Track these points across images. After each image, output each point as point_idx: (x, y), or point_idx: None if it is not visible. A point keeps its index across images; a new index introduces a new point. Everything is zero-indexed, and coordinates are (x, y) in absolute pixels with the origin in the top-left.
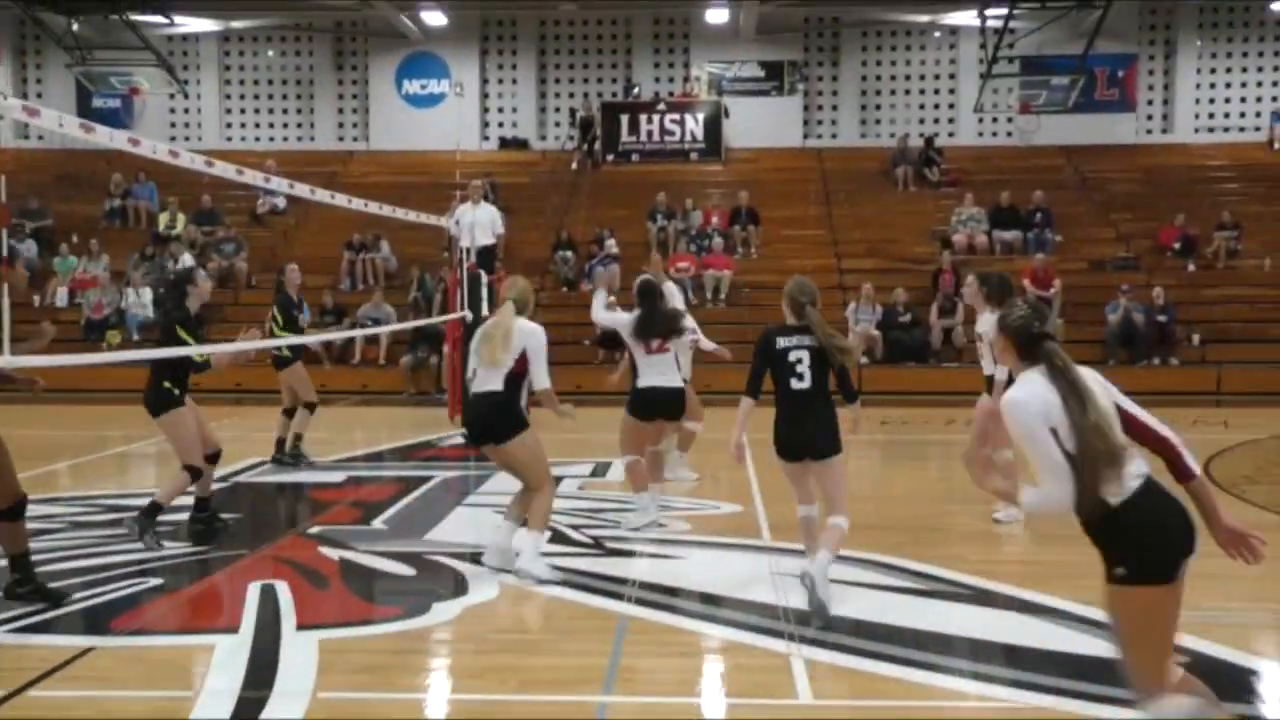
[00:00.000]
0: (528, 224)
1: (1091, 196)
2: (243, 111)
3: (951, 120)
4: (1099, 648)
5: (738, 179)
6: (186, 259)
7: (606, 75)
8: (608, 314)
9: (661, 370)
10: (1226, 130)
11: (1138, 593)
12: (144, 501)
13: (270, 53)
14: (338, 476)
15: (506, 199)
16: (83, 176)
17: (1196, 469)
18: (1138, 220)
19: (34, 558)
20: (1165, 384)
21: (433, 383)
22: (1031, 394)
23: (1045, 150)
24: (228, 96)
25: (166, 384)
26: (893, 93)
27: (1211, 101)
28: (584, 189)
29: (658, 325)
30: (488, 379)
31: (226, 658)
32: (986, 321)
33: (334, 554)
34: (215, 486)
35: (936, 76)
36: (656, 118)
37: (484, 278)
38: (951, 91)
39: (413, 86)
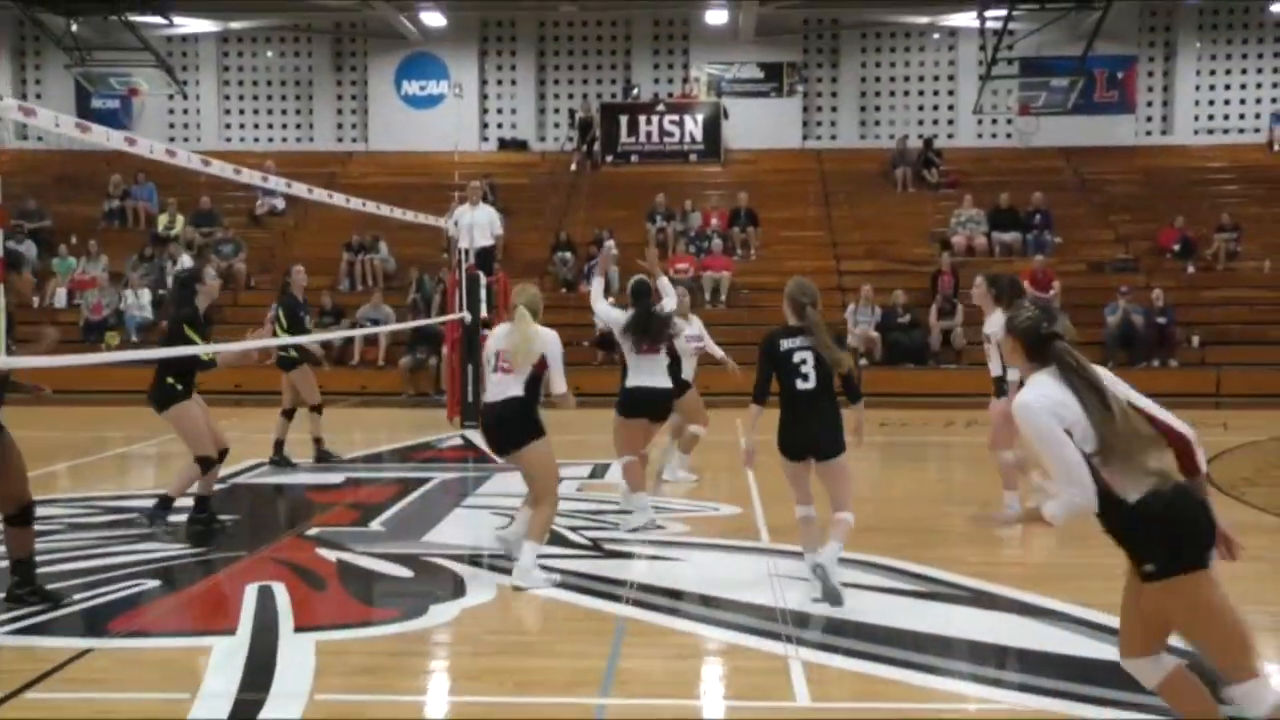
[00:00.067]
0: (527, 225)
1: (1091, 198)
2: (242, 112)
3: (951, 122)
4: (1099, 650)
5: (737, 180)
6: (185, 260)
7: (606, 76)
8: (605, 306)
9: (650, 371)
10: (1226, 132)
11: (1176, 583)
12: (145, 503)
13: (269, 53)
14: (336, 478)
15: (505, 200)
16: (82, 177)
17: (1203, 468)
18: (1137, 222)
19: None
20: (1164, 386)
21: (431, 384)
22: (1043, 395)
23: (1044, 152)
24: (227, 97)
25: (170, 380)
26: (892, 94)
27: (1211, 103)
28: (583, 190)
29: (649, 330)
30: (506, 386)
31: (224, 659)
32: (995, 323)
33: (332, 555)
34: (214, 488)
35: (936, 78)
36: (656, 119)
37: (483, 279)
38: (951, 93)
39: (412, 87)
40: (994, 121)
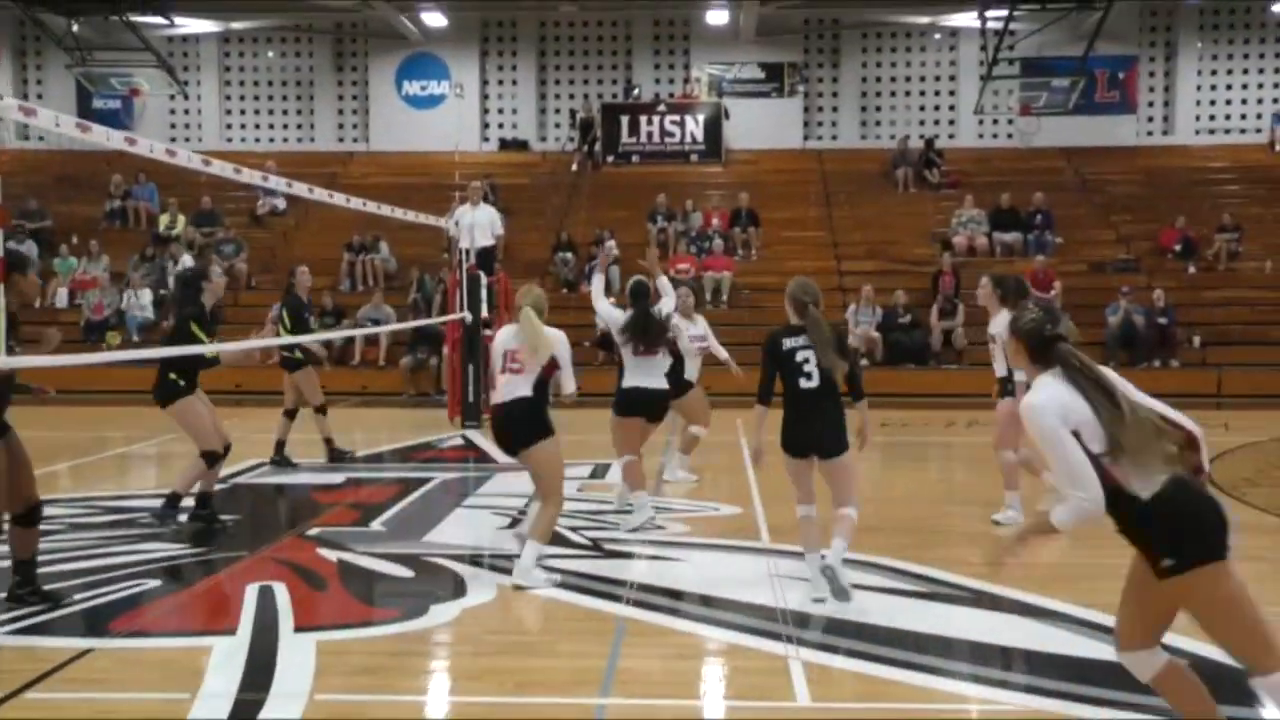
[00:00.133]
0: (527, 225)
1: (1092, 198)
2: (243, 113)
3: (952, 122)
4: (1100, 650)
5: (738, 180)
6: (186, 260)
7: (606, 76)
8: (606, 306)
9: (647, 372)
10: (1227, 132)
11: (1195, 576)
12: (146, 503)
13: (270, 54)
14: (337, 478)
15: (506, 200)
16: (83, 177)
17: (1206, 467)
18: (1138, 222)
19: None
20: (1166, 386)
21: (432, 384)
22: (1049, 397)
23: (1045, 152)
24: (228, 98)
25: (173, 375)
26: (893, 94)
27: (1212, 103)
28: (584, 190)
29: (647, 333)
30: (515, 386)
31: (224, 659)
32: (1000, 323)
33: (332, 555)
34: (215, 488)
35: (937, 78)
36: (656, 119)
37: (483, 279)
38: (952, 93)
39: (413, 88)
40: (995, 122)
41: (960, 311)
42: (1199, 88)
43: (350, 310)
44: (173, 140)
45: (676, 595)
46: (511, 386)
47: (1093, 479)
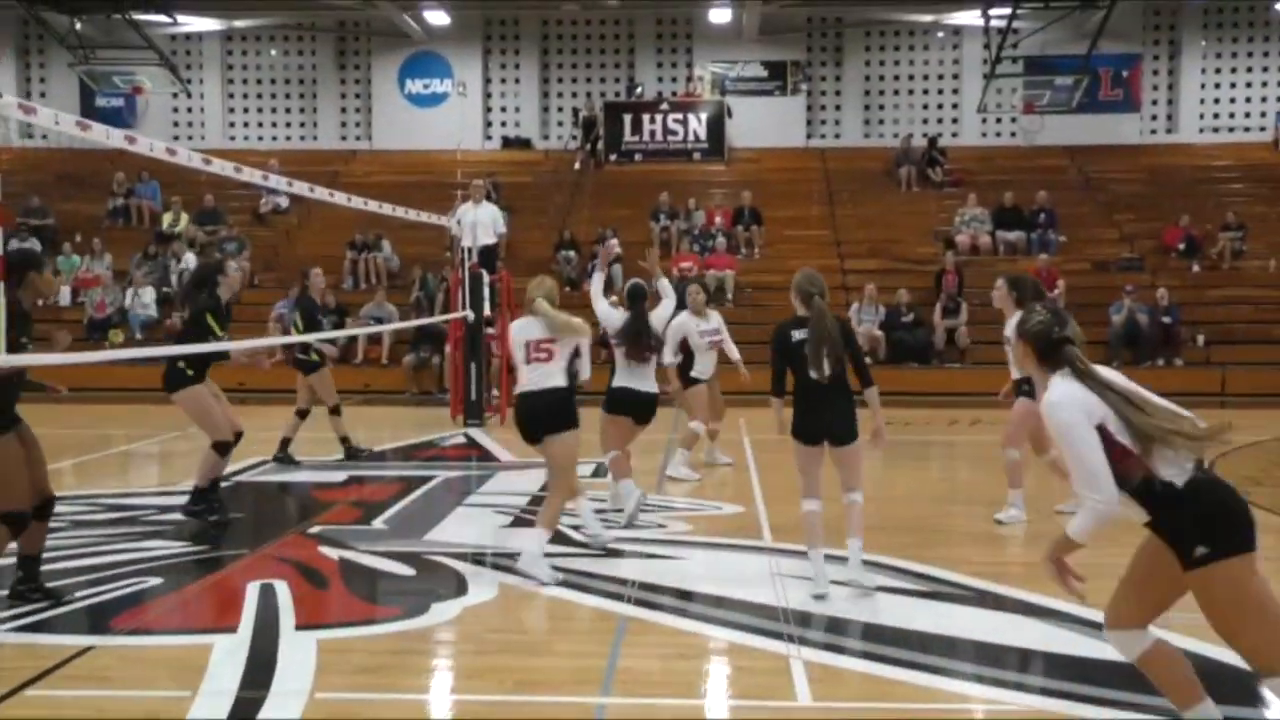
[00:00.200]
0: (530, 224)
1: (1095, 197)
2: (246, 111)
3: (955, 120)
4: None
5: (741, 179)
6: (189, 258)
7: (609, 75)
8: (605, 306)
9: (636, 374)
10: (1231, 130)
11: (1223, 567)
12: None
13: (273, 52)
14: (339, 476)
15: (509, 199)
16: (86, 175)
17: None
18: (1142, 221)
19: None
20: (1169, 385)
21: (435, 382)
22: (1070, 392)
23: (1049, 150)
24: (231, 96)
25: (181, 364)
26: (896, 93)
27: (1216, 102)
28: (587, 189)
29: (638, 344)
30: (548, 375)
31: (225, 657)
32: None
33: (334, 554)
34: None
35: (940, 76)
36: (659, 117)
37: (486, 277)
38: (955, 91)
39: (415, 86)
40: (998, 120)
41: (963, 310)
42: (1203, 86)
43: (353, 309)
44: (175, 139)
45: (678, 594)
46: (542, 375)
47: (1108, 479)
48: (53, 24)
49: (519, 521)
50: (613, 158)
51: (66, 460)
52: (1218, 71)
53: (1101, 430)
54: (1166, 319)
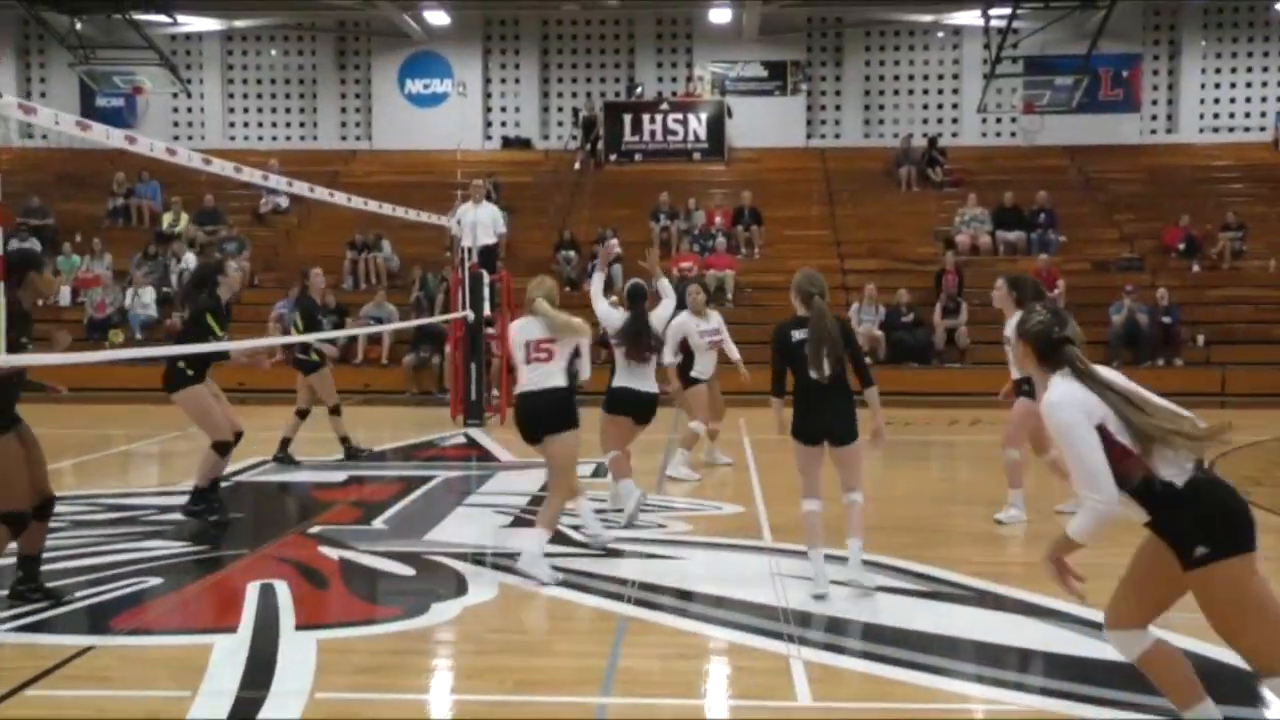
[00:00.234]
0: (530, 224)
1: (1095, 197)
2: (246, 111)
3: (955, 120)
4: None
5: (741, 179)
6: (189, 258)
7: (609, 75)
8: (604, 306)
9: (636, 374)
10: (1231, 130)
11: (1224, 567)
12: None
13: (273, 52)
14: (339, 476)
15: (509, 199)
16: (86, 175)
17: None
18: (1142, 221)
19: None
20: (1169, 385)
21: (435, 382)
22: (1070, 392)
23: (1049, 150)
24: (231, 96)
25: (182, 364)
26: (896, 93)
27: (1216, 102)
28: (587, 189)
29: (638, 345)
30: (548, 374)
31: (225, 657)
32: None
33: (334, 554)
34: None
35: (940, 76)
36: (659, 117)
37: (486, 277)
38: (955, 91)
39: (415, 86)
40: (998, 120)
41: (963, 310)
42: (1203, 86)
43: (353, 309)
44: (175, 139)
45: (678, 594)
46: (542, 375)
47: (1108, 479)
48: (53, 24)
49: (519, 521)
50: (613, 158)
51: (66, 460)
52: (1218, 71)
53: (1101, 430)
54: (1166, 319)
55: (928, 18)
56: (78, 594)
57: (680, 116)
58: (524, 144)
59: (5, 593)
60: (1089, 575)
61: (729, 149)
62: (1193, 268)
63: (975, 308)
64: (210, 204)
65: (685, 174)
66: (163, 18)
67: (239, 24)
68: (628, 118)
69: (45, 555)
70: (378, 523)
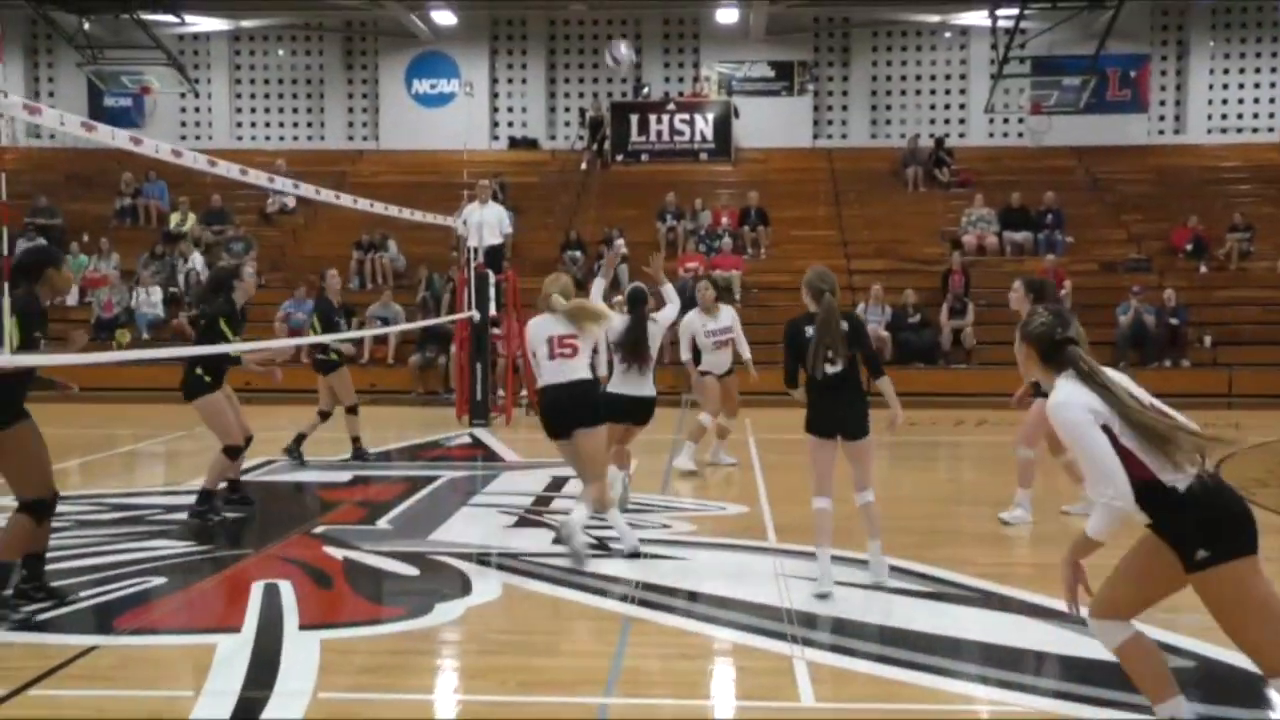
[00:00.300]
0: (537, 224)
1: (1103, 197)
2: (253, 111)
3: (962, 121)
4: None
5: (747, 179)
6: (196, 258)
7: (616, 75)
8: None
9: (633, 379)
10: (1239, 131)
11: (1226, 570)
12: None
13: (280, 52)
14: (344, 476)
15: (516, 199)
16: (93, 175)
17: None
18: (1149, 221)
19: None
20: (1176, 386)
21: (441, 382)
22: (1074, 393)
23: (1056, 151)
24: (238, 96)
25: (199, 371)
26: (903, 93)
27: (1224, 102)
28: (593, 189)
29: (636, 353)
30: (572, 369)
31: (228, 657)
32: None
33: (338, 553)
34: (220, 486)
35: (947, 77)
36: (666, 118)
37: (492, 277)
38: (962, 92)
39: (422, 86)
40: (1006, 120)
41: (970, 311)
42: (1211, 87)
43: (359, 309)
44: (183, 138)
45: (682, 595)
46: (567, 369)
47: (1120, 475)
48: (61, 24)
49: (523, 521)
50: (619, 158)
51: (72, 460)
52: (1226, 72)
53: (1106, 431)
54: (1174, 320)
55: (935, 18)
56: (82, 593)
57: (687, 117)
58: (530, 144)
59: (9, 592)
60: (1096, 576)
61: (736, 149)
62: (1200, 268)
63: (982, 308)
64: (217, 204)
65: (692, 174)
66: (170, 18)
67: (246, 24)
68: (634, 118)
69: (50, 554)
70: (382, 522)
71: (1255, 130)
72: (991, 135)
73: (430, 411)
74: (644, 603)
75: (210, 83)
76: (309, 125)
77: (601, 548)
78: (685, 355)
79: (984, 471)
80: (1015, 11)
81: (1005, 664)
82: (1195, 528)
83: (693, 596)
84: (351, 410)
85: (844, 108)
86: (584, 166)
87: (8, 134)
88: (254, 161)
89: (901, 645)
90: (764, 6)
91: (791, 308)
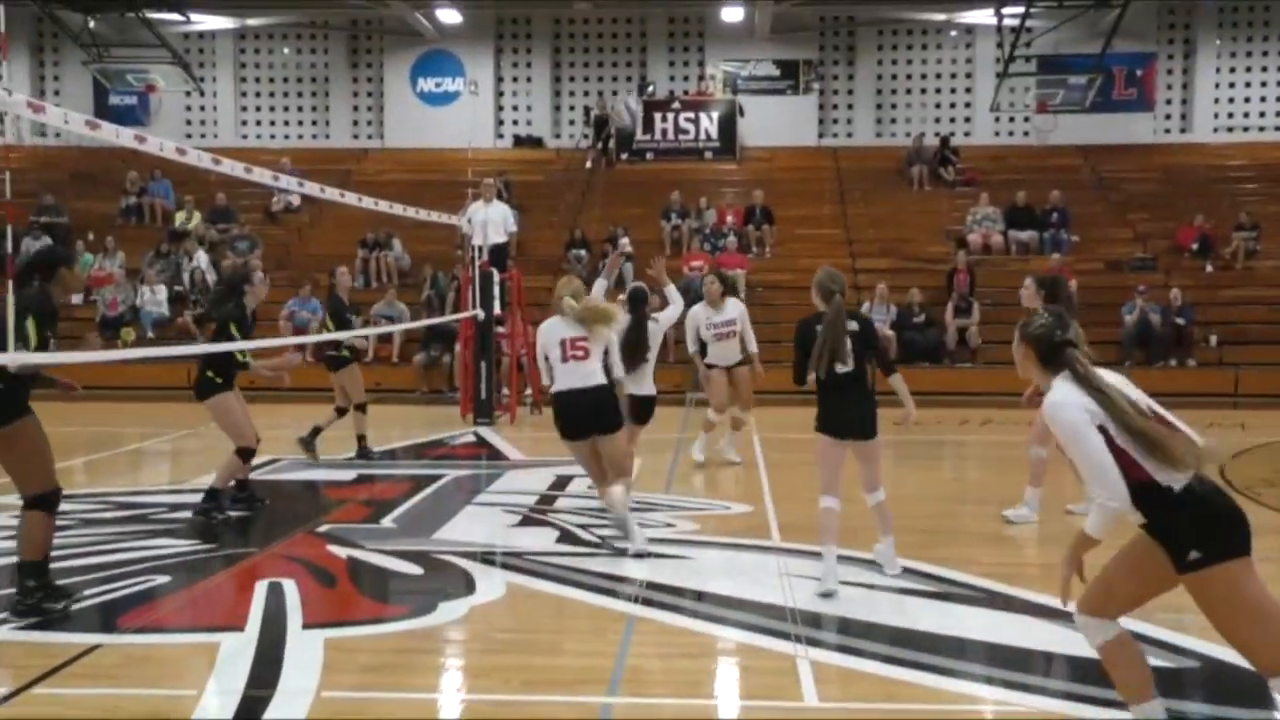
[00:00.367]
0: (542, 222)
1: (1108, 196)
2: (258, 109)
3: (968, 119)
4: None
5: (752, 178)
6: (201, 256)
7: (621, 73)
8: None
9: (631, 377)
10: (1246, 130)
11: (1218, 571)
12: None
13: (286, 50)
14: (348, 474)
15: (521, 197)
16: (99, 174)
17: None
18: (1155, 220)
19: None
20: (1182, 385)
21: (445, 381)
22: (1070, 393)
23: (1062, 150)
24: (243, 94)
25: (210, 374)
26: (908, 92)
27: (1231, 101)
28: (598, 187)
29: (635, 354)
30: (587, 372)
31: (232, 656)
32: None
33: (342, 552)
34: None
35: (953, 75)
36: (671, 116)
37: (496, 276)
38: (968, 90)
39: (427, 84)
40: (1011, 119)
41: (975, 310)
42: (1217, 85)
43: (364, 307)
44: (188, 137)
45: (685, 594)
46: (583, 372)
47: (1115, 477)
48: (67, 22)
49: (527, 520)
50: (624, 156)
51: (77, 458)
52: (1232, 71)
53: (1102, 431)
54: (1179, 319)
55: (940, 16)
56: (86, 592)
57: (692, 115)
58: (535, 142)
59: (13, 590)
60: (1090, 577)
61: (741, 148)
62: (1206, 268)
63: (987, 307)
64: (222, 202)
65: (697, 172)
66: (176, 16)
67: (252, 22)
68: (640, 112)
69: (54, 553)
70: (387, 521)
71: (1262, 129)
72: (997, 134)
73: (434, 410)
74: (648, 602)
75: (215, 81)
76: (314, 124)
77: (606, 546)
78: (692, 348)
79: (988, 471)
80: (1021, 10)
81: (1010, 664)
82: (1189, 528)
83: (696, 596)
84: (360, 408)
85: (849, 106)
86: (589, 165)
87: (13, 132)
88: (259, 160)
89: (906, 645)
90: (769, 5)
91: (796, 306)
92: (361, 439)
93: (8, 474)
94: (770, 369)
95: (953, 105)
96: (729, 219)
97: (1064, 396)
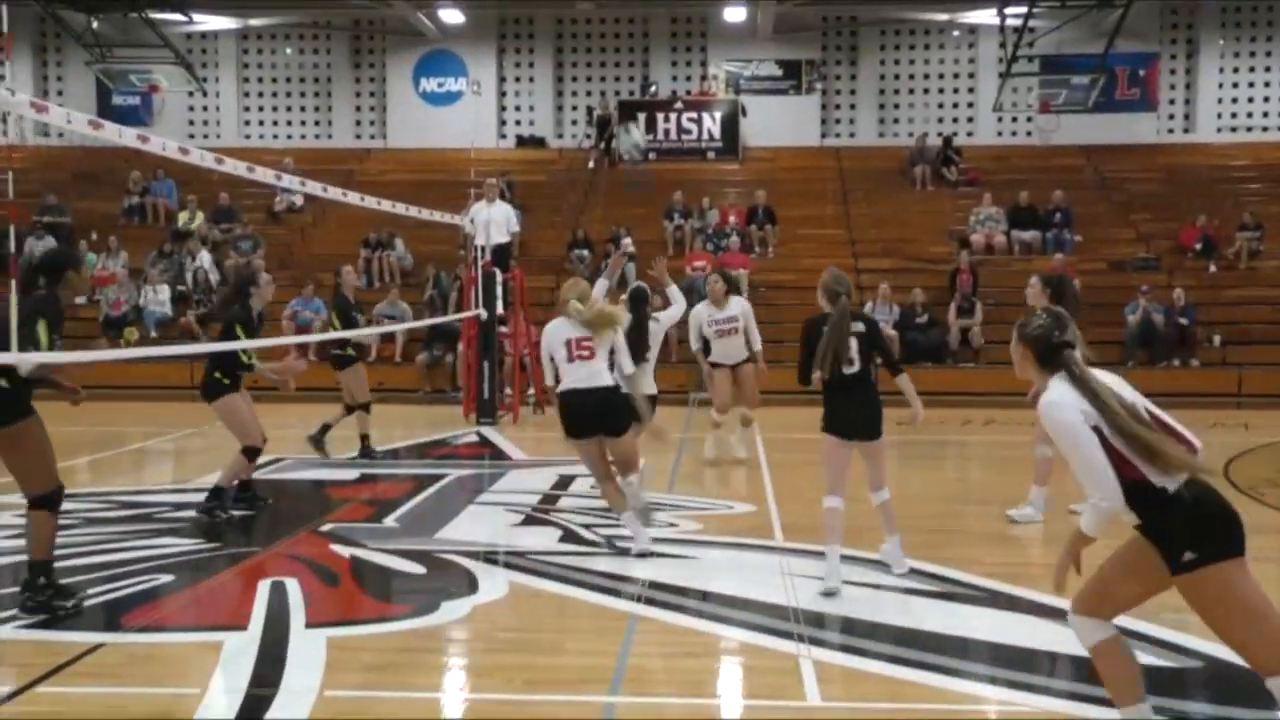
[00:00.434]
0: (544, 222)
1: (1111, 196)
2: (261, 109)
3: (970, 119)
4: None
5: (755, 178)
6: (204, 256)
7: (624, 74)
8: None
9: (635, 377)
10: (1249, 130)
11: (1212, 571)
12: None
13: (288, 51)
14: (351, 473)
15: (523, 197)
16: (102, 173)
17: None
18: (1158, 220)
19: None
20: (1185, 386)
21: (448, 381)
22: (1065, 393)
23: (1065, 150)
24: (246, 94)
25: (217, 375)
26: (911, 92)
27: (1234, 101)
28: (600, 187)
29: (637, 352)
30: (594, 373)
31: (235, 655)
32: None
33: (345, 551)
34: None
35: (955, 75)
36: (674, 116)
37: (499, 276)
38: (970, 90)
39: (430, 84)
40: (1014, 119)
41: (978, 310)
42: (1220, 85)
43: (367, 307)
44: (191, 137)
45: (688, 593)
46: (589, 373)
47: (1109, 477)
48: (70, 22)
49: (530, 520)
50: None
51: (81, 457)
52: (1235, 70)
53: (1097, 432)
54: (1183, 319)
55: (943, 16)
56: (89, 591)
57: (695, 115)
58: (538, 142)
59: (18, 589)
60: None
61: (743, 148)
62: (1209, 268)
63: (990, 307)
64: (225, 202)
65: (699, 173)
66: (179, 16)
67: (254, 23)
68: (642, 116)
69: (59, 552)
70: (389, 520)
71: (1265, 129)
72: (1000, 134)
73: (437, 410)
74: (650, 601)
75: (218, 81)
76: (316, 124)
77: (609, 545)
78: (695, 346)
79: (991, 471)
80: (1024, 10)
81: (1014, 664)
82: (1183, 529)
83: (700, 595)
84: (364, 407)
85: (852, 106)
86: (591, 165)
87: (16, 132)
88: (262, 160)
89: (909, 644)
90: (772, 5)
91: (799, 306)
92: (364, 438)
93: (11, 474)
94: (773, 369)
95: (955, 105)
96: (731, 219)
97: (1060, 397)
